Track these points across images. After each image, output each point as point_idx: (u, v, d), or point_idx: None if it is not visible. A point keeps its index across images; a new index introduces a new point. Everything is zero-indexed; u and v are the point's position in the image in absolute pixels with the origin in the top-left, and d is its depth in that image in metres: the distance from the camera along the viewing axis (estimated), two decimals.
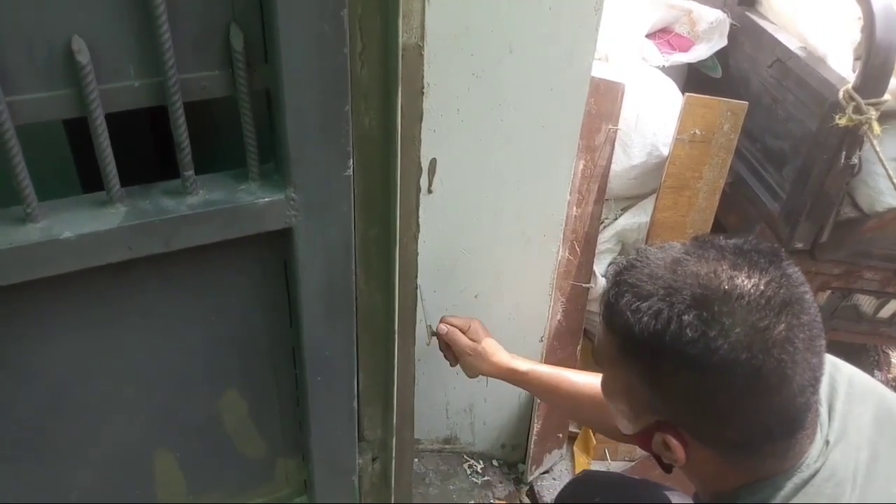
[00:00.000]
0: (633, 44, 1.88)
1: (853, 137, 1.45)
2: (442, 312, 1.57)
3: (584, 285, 1.83)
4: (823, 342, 0.70)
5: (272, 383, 1.07)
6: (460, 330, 1.36)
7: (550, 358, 1.84)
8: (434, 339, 1.40)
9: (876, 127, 1.38)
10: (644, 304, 0.69)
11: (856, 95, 1.40)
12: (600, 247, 1.90)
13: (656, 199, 1.74)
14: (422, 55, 0.96)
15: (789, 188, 1.66)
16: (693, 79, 2.12)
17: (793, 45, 1.68)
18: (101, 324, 0.84)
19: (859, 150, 1.47)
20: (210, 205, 0.91)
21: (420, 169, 1.09)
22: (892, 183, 1.42)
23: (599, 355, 0.81)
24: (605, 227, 1.94)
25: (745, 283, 0.66)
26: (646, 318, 0.68)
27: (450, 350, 1.37)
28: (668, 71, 1.99)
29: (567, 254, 1.77)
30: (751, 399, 0.67)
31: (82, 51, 0.63)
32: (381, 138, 0.98)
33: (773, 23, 1.81)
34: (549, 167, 1.38)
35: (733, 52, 1.92)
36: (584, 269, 1.82)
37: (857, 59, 1.62)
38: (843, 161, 1.47)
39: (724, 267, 0.68)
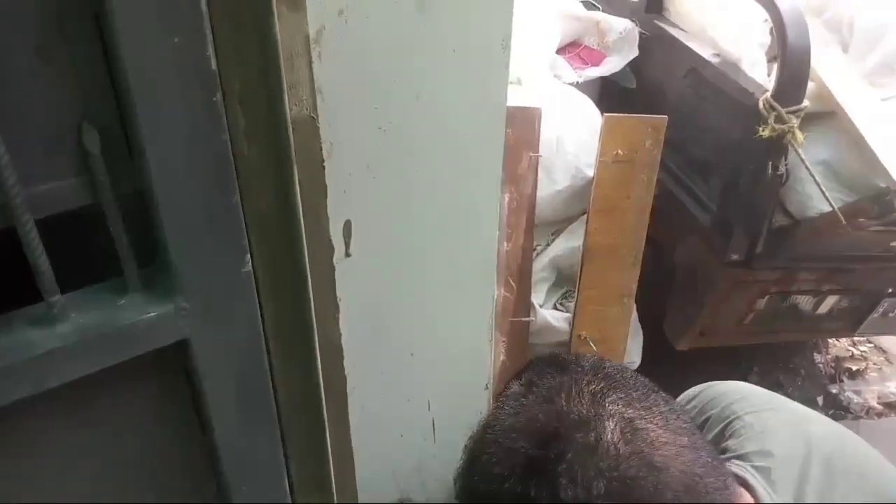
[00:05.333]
0: (544, 62, 1.83)
1: (778, 146, 1.45)
2: (377, 376, 1.47)
3: (524, 320, 1.77)
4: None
5: (193, 497, 0.96)
6: None
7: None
8: None
9: (799, 135, 1.38)
10: None
11: (775, 105, 1.39)
12: (536, 276, 1.84)
13: (586, 223, 1.70)
14: (317, 126, 0.87)
15: (718, 200, 1.65)
16: (608, 91, 2.10)
17: (705, 52, 1.67)
18: None
19: (785, 159, 1.46)
20: (84, 330, 0.79)
21: (332, 248, 1.00)
22: (820, 188, 1.42)
23: None
24: (538, 254, 1.89)
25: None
26: None
27: None
28: (583, 86, 1.96)
29: (503, 291, 1.71)
30: None
31: None
32: (282, 219, 0.88)
33: (683, 30, 1.80)
34: (474, 211, 1.30)
35: (646, 62, 1.91)
36: (521, 303, 1.76)
37: (770, 60, 1.63)
38: (770, 172, 1.46)
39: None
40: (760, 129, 1.40)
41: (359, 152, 1.13)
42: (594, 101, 2.12)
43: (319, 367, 1.02)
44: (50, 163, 0.69)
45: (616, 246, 1.74)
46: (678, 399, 0.85)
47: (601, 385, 0.63)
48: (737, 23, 1.63)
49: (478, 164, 1.24)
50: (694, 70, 1.68)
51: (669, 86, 1.81)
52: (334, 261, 1.24)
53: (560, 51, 1.99)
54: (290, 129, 0.78)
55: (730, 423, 0.76)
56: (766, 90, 1.45)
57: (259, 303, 0.95)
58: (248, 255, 0.82)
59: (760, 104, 1.42)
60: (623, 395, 0.61)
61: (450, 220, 1.30)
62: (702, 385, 0.86)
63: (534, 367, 0.69)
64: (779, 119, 1.38)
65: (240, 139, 0.81)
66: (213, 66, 0.68)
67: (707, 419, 0.80)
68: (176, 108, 0.68)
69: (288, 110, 0.78)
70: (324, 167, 0.88)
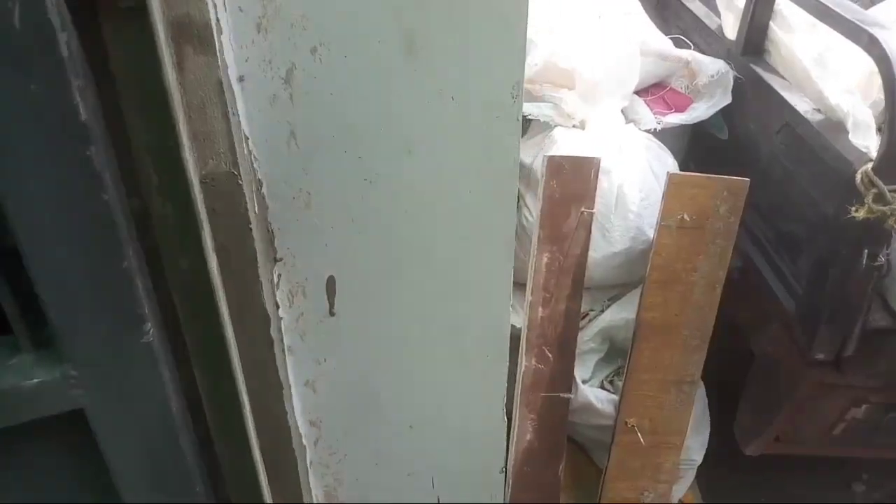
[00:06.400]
0: (616, 104, 1.67)
1: (878, 231, 1.20)
2: (371, 446, 1.36)
3: (561, 396, 1.60)
4: None
5: None
6: None
7: (522, 485, 1.60)
8: None
9: None
10: None
11: (876, 180, 1.16)
12: (583, 346, 1.67)
13: (641, 295, 1.51)
14: (238, 183, 0.78)
15: (806, 285, 1.41)
16: (699, 139, 1.89)
17: (804, 106, 1.44)
18: None
19: (887, 248, 1.21)
20: None
21: (267, 318, 0.91)
22: None
23: None
24: (589, 320, 1.71)
25: None
26: None
27: None
28: (670, 135, 1.76)
29: (534, 362, 1.55)
30: None
31: None
32: (209, 282, 0.80)
33: (782, 77, 1.57)
34: (482, 278, 1.17)
35: (739, 112, 1.69)
36: (560, 376, 1.59)
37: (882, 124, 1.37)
38: (865, 261, 1.22)
39: None
40: (854, 208, 1.17)
41: (341, 204, 1.04)
42: (682, 152, 1.91)
43: (254, 443, 0.93)
44: None
45: (676, 324, 1.53)
46: None
47: None
48: (847, 73, 1.39)
49: (486, 229, 1.12)
50: (788, 126, 1.45)
51: (762, 142, 1.58)
52: (316, 320, 1.15)
53: (642, 92, 1.81)
54: (192, 185, 0.70)
55: None
56: (870, 160, 1.21)
57: (192, 372, 0.88)
58: (148, 325, 0.74)
59: (858, 178, 1.18)
60: None
61: (453, 286, 1.18)
62: None
63: None
64: (879, 198, 1.15)
65: (153, 196, 0.74)
66: (83, 116, 0.61)
67: None
68: (40, 162, 0.62)
69: (191, 164, 0.70)
70: (250, 229, 0.79)
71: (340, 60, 0.91)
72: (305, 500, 1.20)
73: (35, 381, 0.74)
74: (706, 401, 1.74)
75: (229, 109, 0.71)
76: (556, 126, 1.62)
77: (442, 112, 0.98)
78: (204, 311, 0.81)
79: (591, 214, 1.52)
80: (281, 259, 1.08)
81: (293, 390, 1.21)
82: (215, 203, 0.75)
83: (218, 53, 0.68)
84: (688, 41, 1.83)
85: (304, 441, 1.28)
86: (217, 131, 0.71)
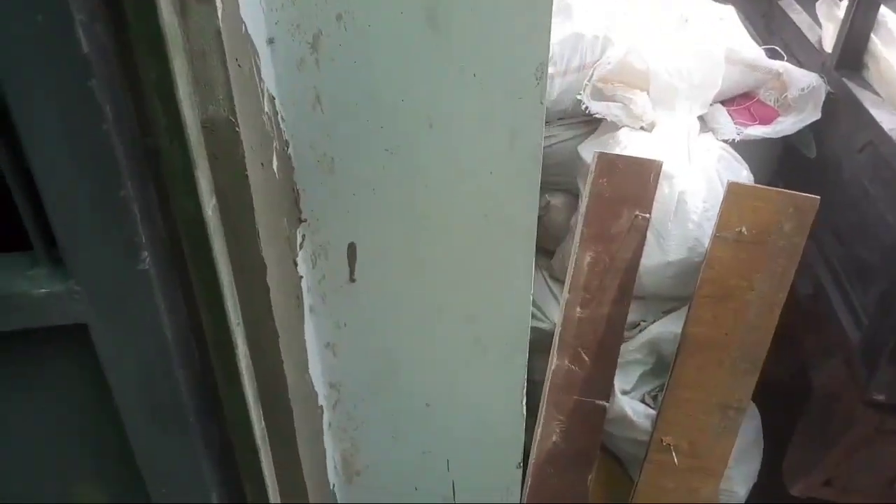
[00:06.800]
0: (693, 110, 1.60)
1: None
2: (387, 418, 1.39)
3: (596, 402, 1.56)
4: None
5: (131, 477, 0.97)
6: None
7: (543, 486, 1.57)
8: None
9: None
10: None
11: None
12: (627, 356, 1.61)
13: (689, 308, 1.44)
14: (236, 131, 0.83)
15: (872, 316, 1.29)
16: (789, 156, 1.77)
17: (890, 124, 1.32)
18: None
19: None
20: None
21: (263, 266, 0.95)
22: None
23: None
24: (640, 331, 1.65)
25: None
26: None
27: None
28: (754, 147, 1.67)
29: (567, 362, 1.52)
30: None
31: None
32: (204, 225, 0.86)
33: (875, 93, 1.44)
34: (501, 264, 1.17)
35: (829, 128, 1.57)
36: (596, 382, 1.55)
37: None
38: None
39: None
40: None
41: (362, 172, 1.08)
42: (770, 169, 1.80)
43: (249, 391, 0.99)
44: None
45: (726, 344, 1.45)
46: None
47: None
48: None
49: (507, 214, 1.12)
50: (871, 144, 1.33)
51: (845, 161, 1.46)
52: (337, 284, 1.20)
53: (728, 101, 1.72)
54: (190, 128, 0.75)
55: None
56: None
57: (172, 302, 0.93)
58: (145, 253, 0.81)
59: None
60: None
61: (471, 267, 1.18)
62: None
63: None
64: None
65: (162, 136, 0.80)
66: (85, 49, 0.68)
67: None
68: (45, 91, 0.69)
69: (193, 108, 0.76)
70: (246, 176, 0.84)
71: (365, 29, 0.94)
72: (310, 462, 1.25)
73: (44, 290, 0.83)
74: (761, 431, 1.64)
75: (229, 60, 0.76)
76: (622, 127, 1.57)
77: (463, 89, 0.99)
78: (201, 252, 0.86)
79: (647, 220, 1.47)
80: (305, 220, 1.13)
81: (314, 350, 1.27)
82: (215, 148, 0.81)
83: (219, 4, 0.73)
84: (784, 53, 1.72)
85: (323, 401, 1.33)
86: (216, 79, 0.76)
